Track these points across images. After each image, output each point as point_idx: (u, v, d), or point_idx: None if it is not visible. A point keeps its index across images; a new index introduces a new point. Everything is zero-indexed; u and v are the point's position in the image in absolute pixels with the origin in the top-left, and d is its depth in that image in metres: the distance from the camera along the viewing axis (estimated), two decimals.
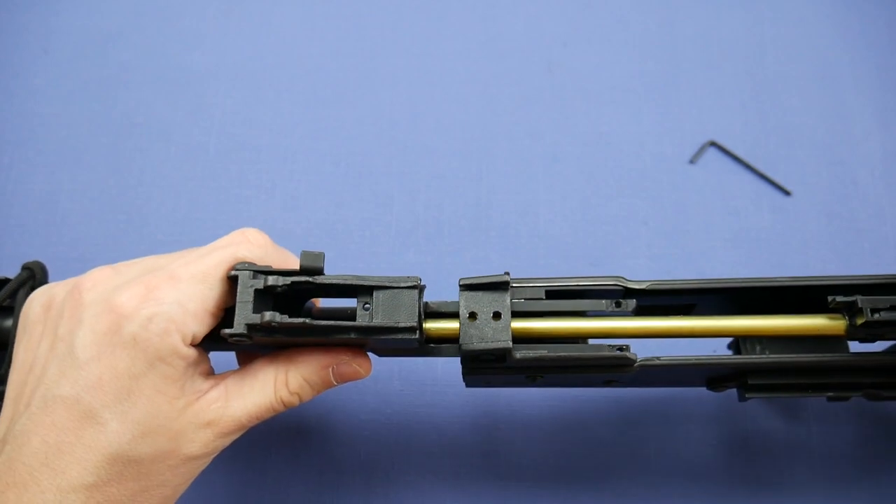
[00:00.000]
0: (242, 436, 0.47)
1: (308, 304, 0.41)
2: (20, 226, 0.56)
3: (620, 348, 0.37)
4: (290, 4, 0.64)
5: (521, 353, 0.36)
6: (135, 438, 0.33)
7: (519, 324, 0.37)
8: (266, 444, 0.49)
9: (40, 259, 0.47)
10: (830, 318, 0.38)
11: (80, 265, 0.53)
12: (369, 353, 0.39)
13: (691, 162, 0.58)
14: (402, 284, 0.35)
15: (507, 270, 0.37)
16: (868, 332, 0.37)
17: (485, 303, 0.37)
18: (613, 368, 0.37)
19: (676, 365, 0.38)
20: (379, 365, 0.50)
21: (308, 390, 0.37)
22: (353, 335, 0.35)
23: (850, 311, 0.37)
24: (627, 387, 0.42)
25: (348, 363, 0.37)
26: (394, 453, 0.48)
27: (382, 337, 0.35)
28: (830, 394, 0.40)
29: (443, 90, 0.61)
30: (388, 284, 0.35)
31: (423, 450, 0.48)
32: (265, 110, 0.60)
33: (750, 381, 0.39)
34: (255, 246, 0.37)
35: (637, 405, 0.49)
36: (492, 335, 0.36)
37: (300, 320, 0.34)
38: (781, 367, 0.39)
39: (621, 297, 0.38)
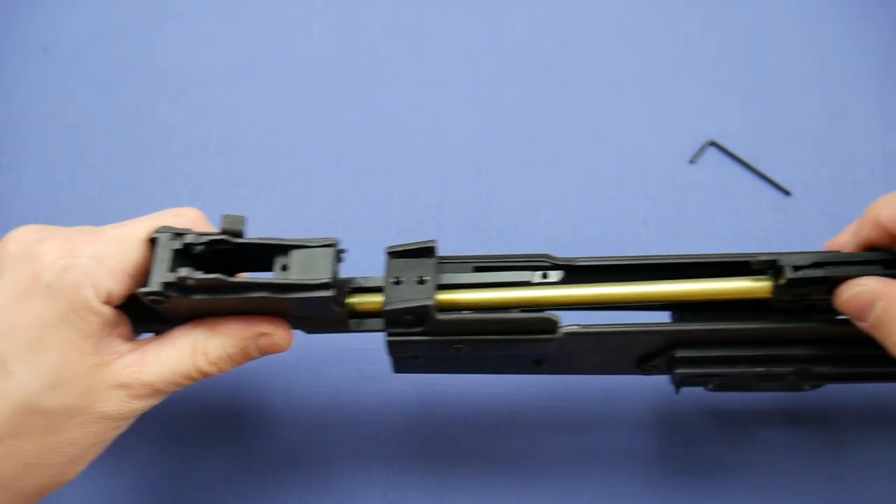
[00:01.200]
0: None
1: None
2: (21, 226, 0.56)
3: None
4: (290, 4, 0.64)
5: (443, 315, 0.36)
6: (43, 389, 0.33)
7: (445, 295, 0.37)
8: (266, 442, 0.49)
9: None
10: (755, 280, 0.37)
11: None
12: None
13: (691, 162, 0.58)
14: (318, 244, 0.36)
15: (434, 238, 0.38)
16: (793, 293, 0.36)
17: (411, 268, 0.37)
18: (537, 335, 0.37)
19: (603, 333, 0.38)
20: (378, 367, 0.50)
21: (228, 361, 0.37)
22: (266, 293, 0.35)
23: (774, 271, 0.37)
24: (559, 372, 0.42)
25: (269, 335, 0.37)
26: (393, 453, 0.48)
27: (297, 295, 0.35)
28: (761, 369, 0.39)
29: (443, 90, 0.61)
30: (303, 244, 0.36)
31: (423, 449, 0.48)
32: (265, 110, 0.60)
33: (677, 354, 0.38)
34: (185, 219, 0.38)
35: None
36: (414, 295, 0.36)
37: (214, 276, 0.34)
38: (709, 337, 0.38)
39: (548, 270, 0.38)
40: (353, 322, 0.39)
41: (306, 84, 0.61)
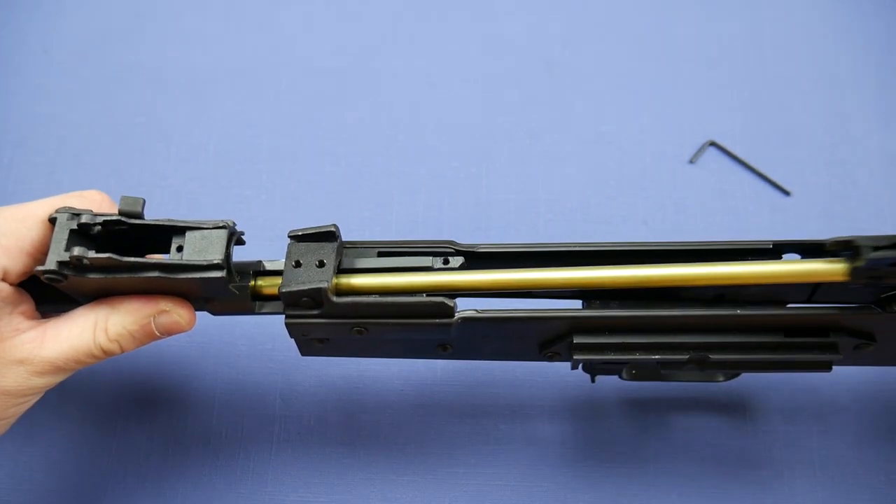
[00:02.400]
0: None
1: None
2: None
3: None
4: (290, 4, 0.64)
5: (339, 298, 0.36)
6: None
7: (344, 279, 0.37)
8: (266, 449, 0.49)
9: None
10: (829, 262, 0.36)
11: None
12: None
13: (691, 162, 0.58)
14: (212, 226, 0.36)
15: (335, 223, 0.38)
16: (870, 276, 0.35)
17: (311, 252, 0.37)
18: (433, 319, 0.37)
19: (499, 318, 0.37)
20: (379, 366, 0.50)
21: (129, 339, 0.37)
22: (158, 273, 0.35)
23: (849, 252, 0.35)
24: (464, 357, 0.41)
25: (169, 313, 0.37)
26: (393, 453, 0.48)
27: (189, 275, 0.35)
28: (657, 356, 0.38)
29: (443, 90, 0.61)
30: (198, 226, 0.36)
31: (422, 450, 0.48)
32: (265, 110, 0.60)
33: (576, 340, 0.38)
34: (88, 201, 0.38)
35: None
36: (311, 277, 0.36)
37: (106, 255, 0.34)
38: (607, 324, 0.38)
39: (450, 256, 0.38)
40: (256, 304, 0.39)
41: (306, 84, 0.61)
